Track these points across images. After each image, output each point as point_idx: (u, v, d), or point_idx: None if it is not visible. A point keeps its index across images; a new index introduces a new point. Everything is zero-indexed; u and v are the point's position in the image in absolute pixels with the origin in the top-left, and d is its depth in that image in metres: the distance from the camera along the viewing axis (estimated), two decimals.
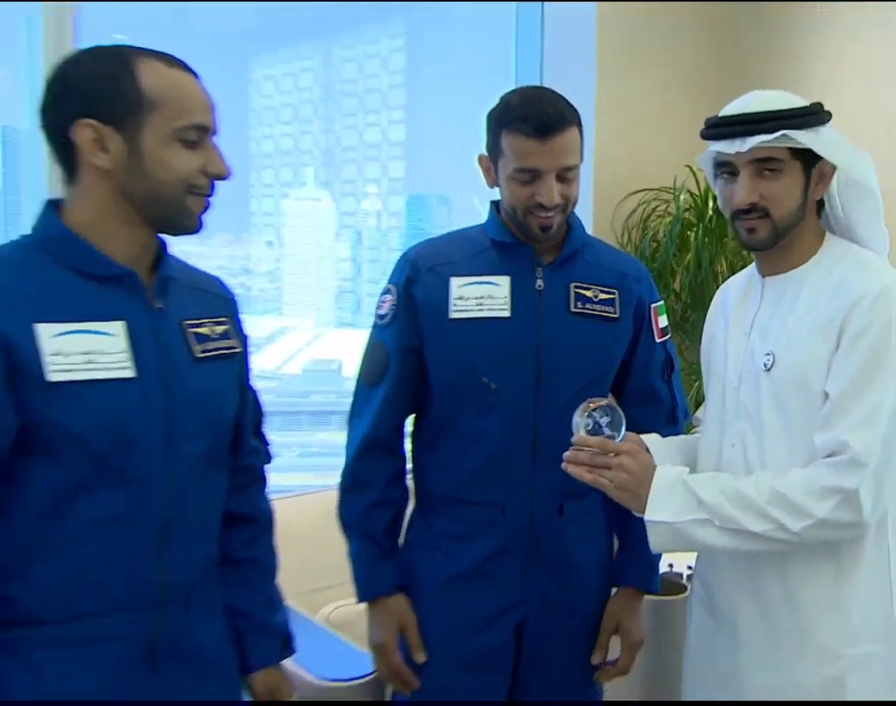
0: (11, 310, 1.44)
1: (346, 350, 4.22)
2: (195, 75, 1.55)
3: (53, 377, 1.44)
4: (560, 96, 1.95)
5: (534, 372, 1.99)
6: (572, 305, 2.01)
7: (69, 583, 1.51)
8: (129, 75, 1.48)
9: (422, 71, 4.08)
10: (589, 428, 1.82)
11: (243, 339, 1.77)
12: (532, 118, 1.88)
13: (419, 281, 2.03)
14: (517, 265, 2.02)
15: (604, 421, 1.82)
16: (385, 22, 3.99)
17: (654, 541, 1.80)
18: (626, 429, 1.89)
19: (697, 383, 3.16)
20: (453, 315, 1.99)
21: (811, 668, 1.80)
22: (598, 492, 1.83)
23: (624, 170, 3.55)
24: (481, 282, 2.01)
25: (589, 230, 2.15)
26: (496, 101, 1.95)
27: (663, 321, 2.15)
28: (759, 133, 1.77)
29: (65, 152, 1.50)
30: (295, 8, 3.90)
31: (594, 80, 3.46)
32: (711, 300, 2.12)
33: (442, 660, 2.07)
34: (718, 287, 2.16)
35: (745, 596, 1.89)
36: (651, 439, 1.94)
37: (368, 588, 2.05)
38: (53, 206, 1.55)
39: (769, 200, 1.78)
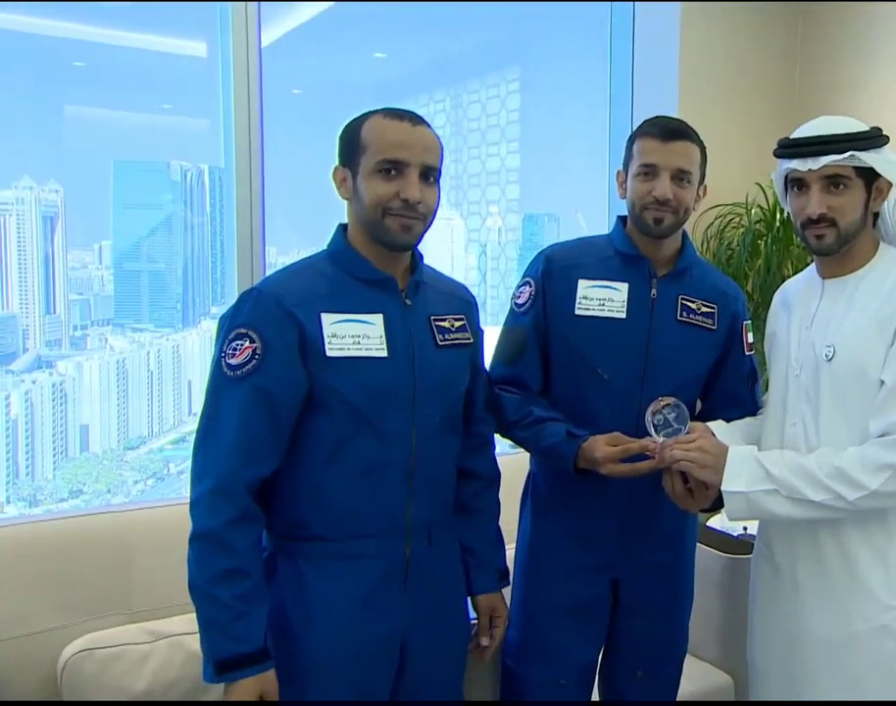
0: (307, 304, 1.72)
1: None
2: (414, 123, 1.73)
3: (330, 353, 1.71)
4: (689, 125, 2.09)
5: (642, 368, 2.10)
6: (678, 314, 2.12)
7: (344, 512, 1.76)
8: (359, 129, 1.75)
9: (533, 108, 4.25)
10: (660, 422, 1.95)
11: (479, 333, 1.99)
12: (659, 124, 2.06)
13: (552, 278, 2.15)
14: (636, 274, 2.12)
15: (671, 416, 1.95)
16: (503, 69, 4.22)
17: (730, 510, 1.87)
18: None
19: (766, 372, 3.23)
20: (578, 311, 2.12)
21: (864, 616, 1.88)
22: None
23: None
24: (604, 286, 2.11)
25: None
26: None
27: (751, 337, 2.22)
28: (829, 154, 1.83)
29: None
30: (432, 61, 4.22)
31: (676, 112, 3.55)
32: None
33: (548, 606, 2.21)
34: None
35: (804, 553, 1.96)
36: (715, 425, 2.03)
37: (571, 452, 2.04)
38: (342, 227, 1.84)
39: (836, 211, 1.86)
